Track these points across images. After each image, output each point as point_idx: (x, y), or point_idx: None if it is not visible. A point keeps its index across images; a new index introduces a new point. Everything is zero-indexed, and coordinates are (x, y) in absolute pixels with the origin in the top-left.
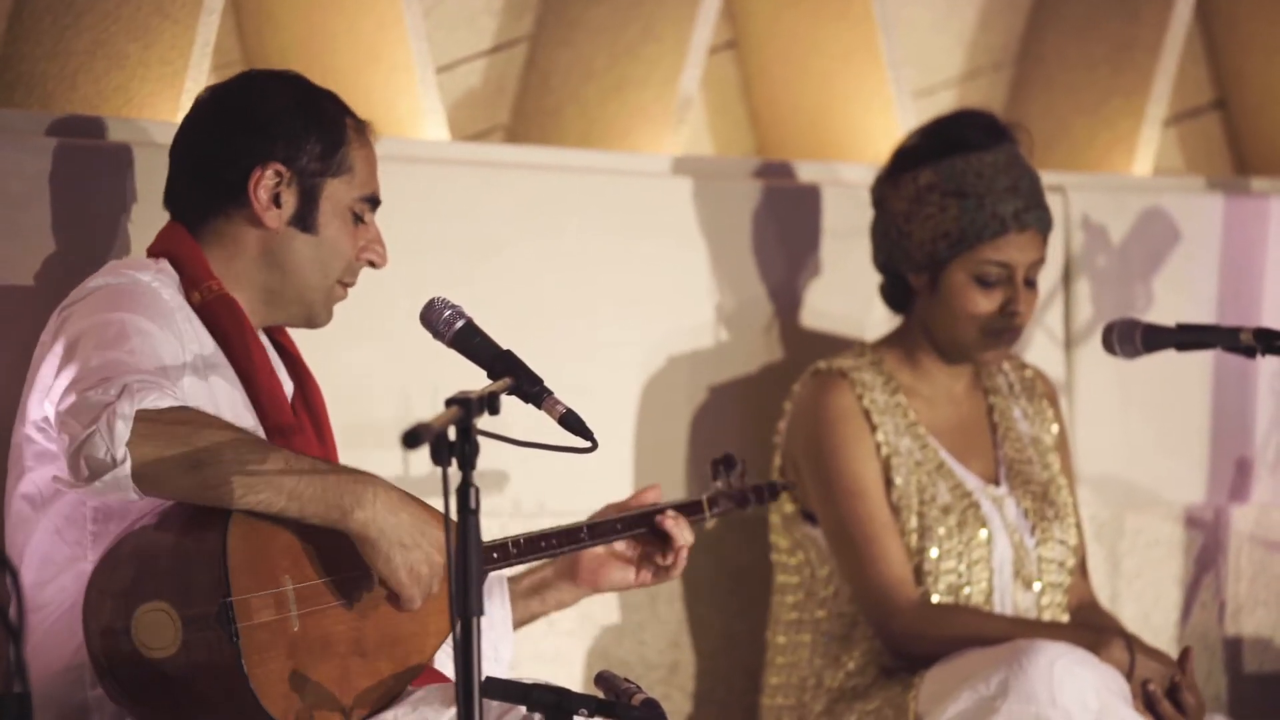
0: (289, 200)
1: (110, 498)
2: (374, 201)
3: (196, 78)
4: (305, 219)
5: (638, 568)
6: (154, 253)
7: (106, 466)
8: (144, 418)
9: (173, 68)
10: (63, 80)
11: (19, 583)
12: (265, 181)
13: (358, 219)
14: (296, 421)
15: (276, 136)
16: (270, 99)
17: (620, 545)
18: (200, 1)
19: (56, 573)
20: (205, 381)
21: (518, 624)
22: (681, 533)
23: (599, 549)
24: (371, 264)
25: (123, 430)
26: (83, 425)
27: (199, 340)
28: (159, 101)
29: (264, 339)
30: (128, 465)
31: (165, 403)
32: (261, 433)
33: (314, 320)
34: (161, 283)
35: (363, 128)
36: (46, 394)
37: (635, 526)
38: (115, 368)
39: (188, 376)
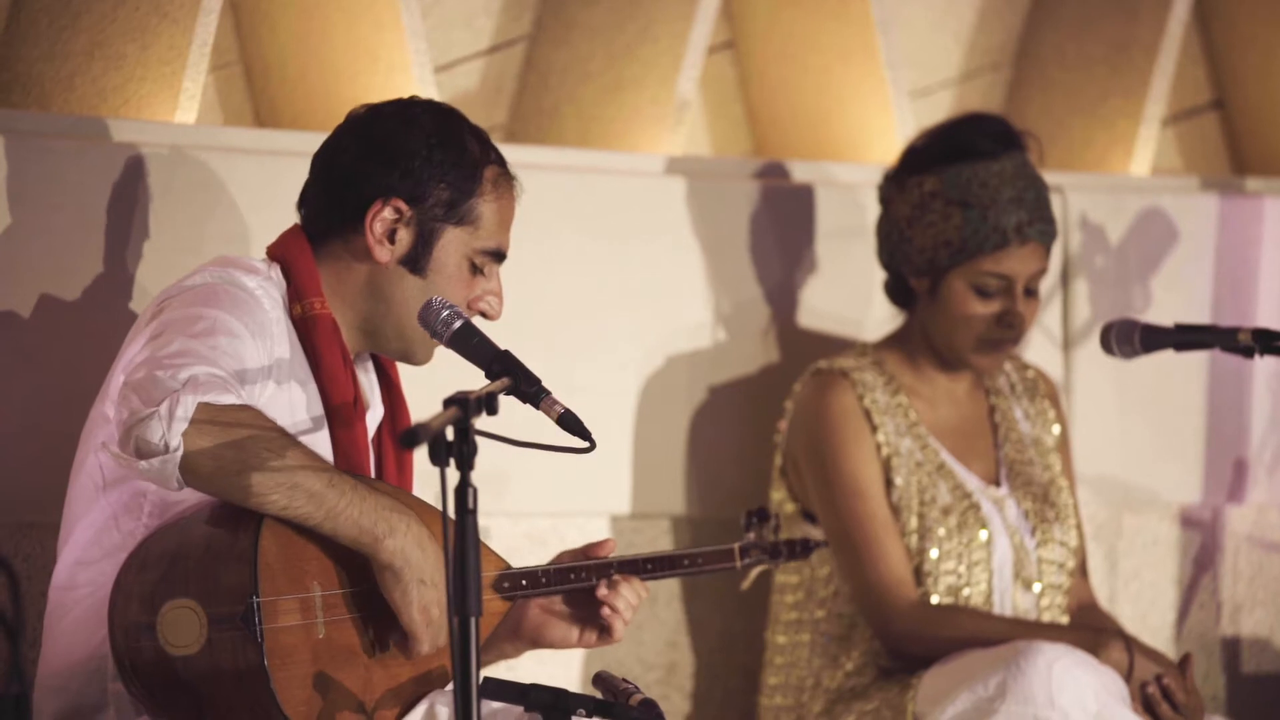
0: (404, 239)
1: (149, 480)
2: (498, 255)
3: (194, 78)
4: (416, 261)
5: (580, 628)
6: (271, 254)
7: (157, 451)
8: (204, 412)
9: (171, 68)
10: (60, 81)
11: (18, 584)
12: (383, 215)
13: (476, 269)
14: (369, 444)
15: (407, 173)
16: (413, 133)
17: (561, 602)
18: (198, 2)
19: (100, 557)
20: (287, 392)
21: None
22: (620, 598)
23: (541, 603)
24: (484, 315)
25: (181, 420)
26: (144, 403)
27: (290, 349)
28: (157, 103)
29: (368, 360)
30: (178, 455)
31: (227, 400)
32: (329, 447)
33: (412, 358)
34: (265, 290)
35: (503, 181)
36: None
37: (627, 573)
38: (190, 357)
39: (270, 385)
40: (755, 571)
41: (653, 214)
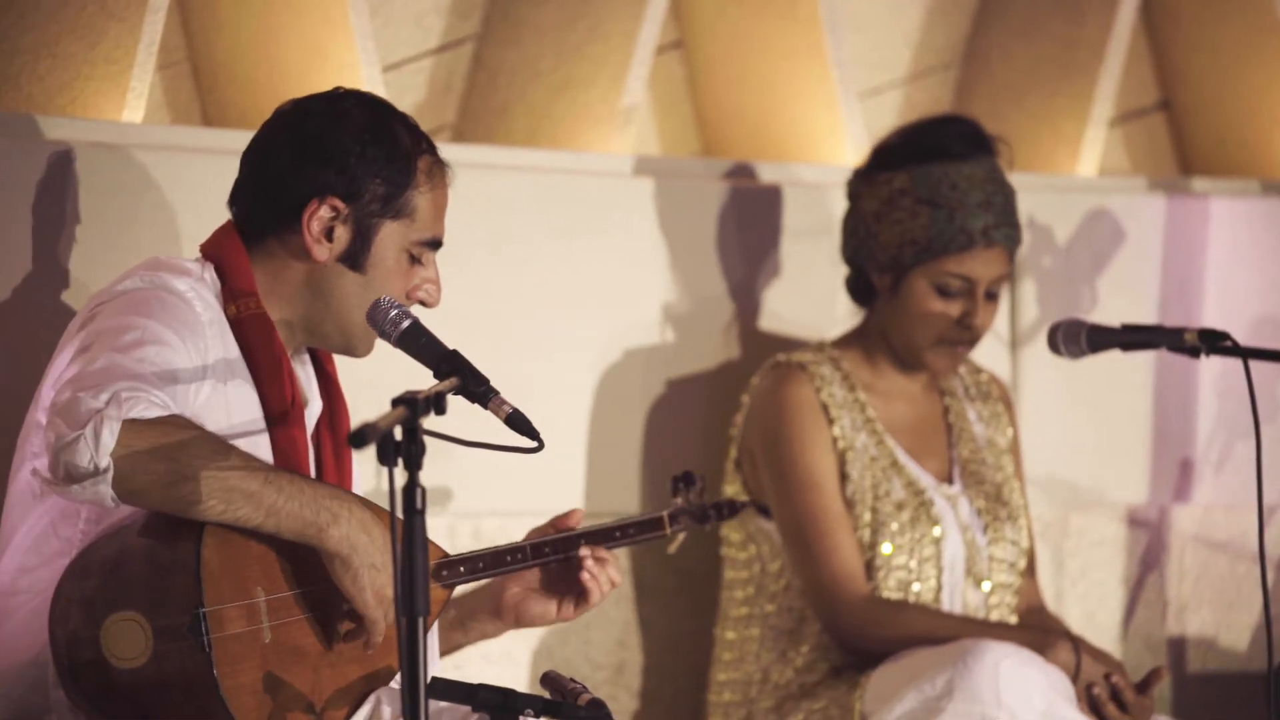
0: (342, 236)
1: (83, 502)
2: (435, 244)
3: (142, 77)
4: (355, 257)
5: (559, 602)
6: (205, 253)
7: (87, 474)
8: (130, 429)
9: (118, 66)
10: (6, 79)
11: None
12: (320, 215)
13: (414, 259)
14: (308, 443)
15: (342, 171)
16: (345, 129)
17: (538, 579)
18: (145, 0)
19: (39, 564)
20: (224, 393)
21: (443, 654)
22: (603, 573)
23: (518, 582)
24: (423, 303)
25: (108, 439)
26: (69, 427)
27: (226, 350)
28: (104, 101)
29: (305, 355)
30: (109, 475)
31: (153, 413)
32: (269, 447)
33: (353, 351)
34: (197, 292)
35: (436, 170)
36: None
37: (561, 551)
38: (114, 373)
39: (205, 389)
40: (680, 536)
41: (605, 213)
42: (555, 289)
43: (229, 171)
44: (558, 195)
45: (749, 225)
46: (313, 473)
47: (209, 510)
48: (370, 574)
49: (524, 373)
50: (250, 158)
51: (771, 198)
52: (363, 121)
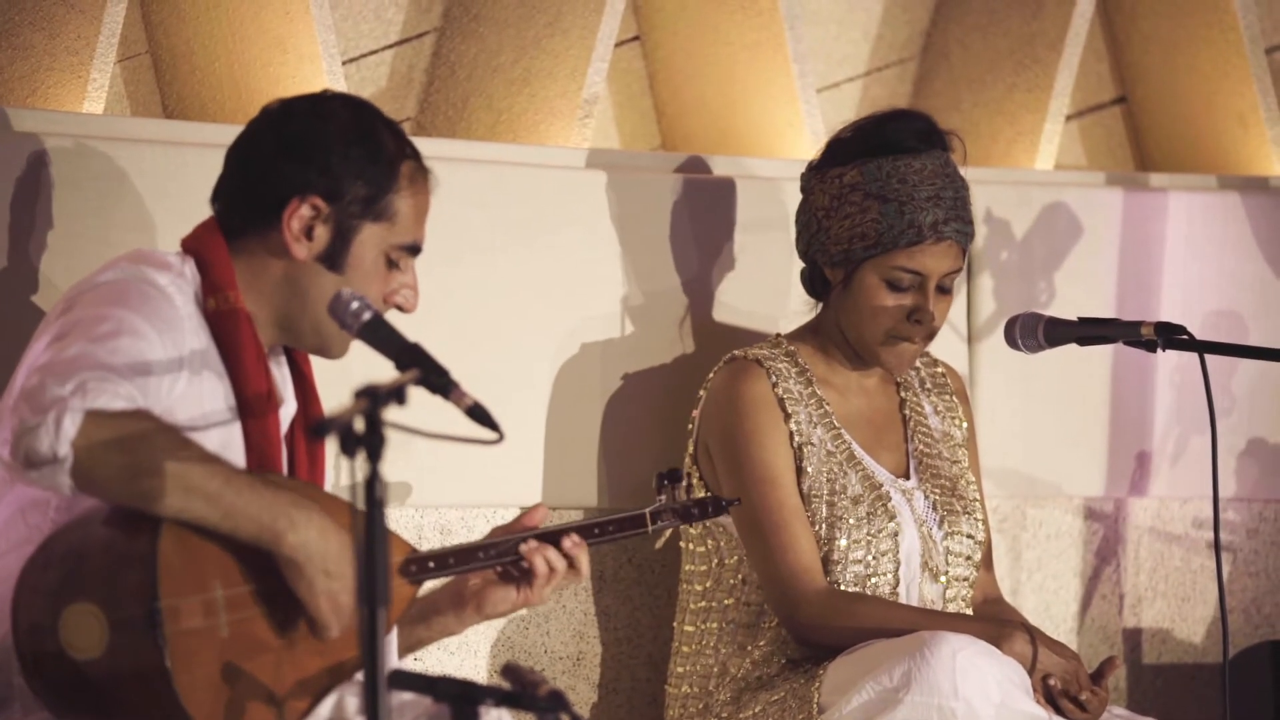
0: (321, 236)
1: (41, 488)
2: (414, 249)
3: (103, 68)
4: (334, 258)
5: (518, 586)
6: (185, 247)
7: (46, 460)
8: (94, 419)
9: (79, 58)
10: None
11: None
12: (300, 213)
13: (392, 264)
14: (281, 440)
15: (324, 170)
16: (329, 129)
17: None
18: None
19: (5, 550)
20: (198, 386)
21: (404, 650)
22: (581, 560)
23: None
24: (400, 308)
25: (69, 428)
26: (32, 413)
27: (202, 344)
28: (65, 93)
29: (281, 355)
30: (68, 464)
31: (118, 405)
32: (241, 443)
33: (328, 352)
34: (178, 286)
35: (419, 175)
36: None
37: (501, 556)
38: (84, 362)
39: (180, 381)
40: (667, 532)
41: (564, 207)
42: (516, 282)
43: (188, 163)
44: (519, 189)
45: (706, 219)
46: (285, 471)
47: (167, 506)
48: (324, 581)
49: (482, 366)
50: (234, 155)
51: (730, 191)
52: (347, 122)
